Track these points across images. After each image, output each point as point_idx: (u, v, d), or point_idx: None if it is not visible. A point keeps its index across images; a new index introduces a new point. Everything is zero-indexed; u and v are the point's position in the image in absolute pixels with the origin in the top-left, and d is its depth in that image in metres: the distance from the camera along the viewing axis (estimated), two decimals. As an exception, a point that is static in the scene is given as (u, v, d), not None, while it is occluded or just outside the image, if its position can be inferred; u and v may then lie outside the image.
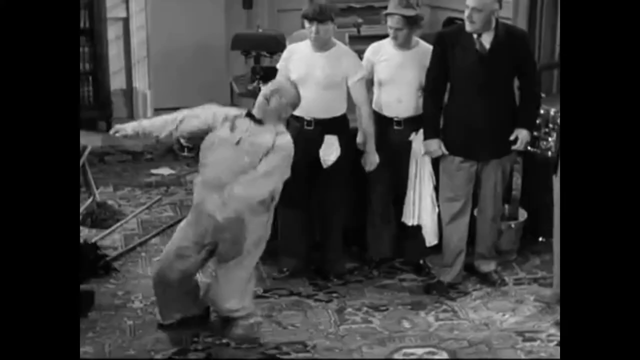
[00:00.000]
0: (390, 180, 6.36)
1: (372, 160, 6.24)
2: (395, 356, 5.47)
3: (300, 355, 5.49)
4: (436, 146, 6.16)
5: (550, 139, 6.66)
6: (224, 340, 5.63)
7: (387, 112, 6.29)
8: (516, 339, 5.67)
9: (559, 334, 5.69)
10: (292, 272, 6.42)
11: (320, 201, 6.35)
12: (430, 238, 6.39)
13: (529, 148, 6.65)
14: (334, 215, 6.39)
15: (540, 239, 6.91)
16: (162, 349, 5.55)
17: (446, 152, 6.16)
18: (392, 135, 6.29)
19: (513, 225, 6.76)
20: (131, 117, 9.28)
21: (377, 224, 6.51)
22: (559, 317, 5.88)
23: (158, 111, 8.69)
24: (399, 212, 6.43)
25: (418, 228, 6.39)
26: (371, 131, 6.21)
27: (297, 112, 5.89)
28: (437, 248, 6.42)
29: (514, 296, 6.24)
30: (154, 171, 8.53)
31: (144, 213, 7.55)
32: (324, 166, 6.16)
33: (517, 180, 7.37)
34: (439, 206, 6.31)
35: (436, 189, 6.32)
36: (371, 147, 6.22)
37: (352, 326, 5.83)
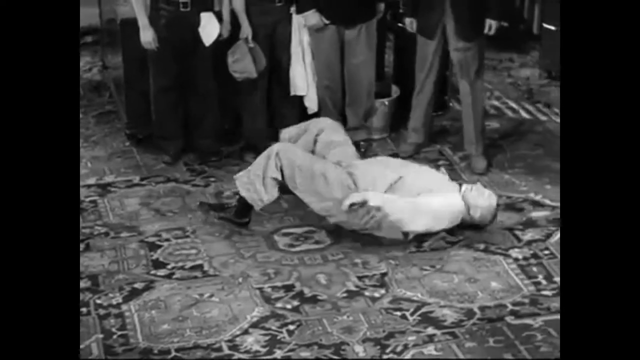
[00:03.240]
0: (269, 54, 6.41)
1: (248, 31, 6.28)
2: (275, 237, 5.54)
3: (180, 240, 5.52)
4: (317, 18, 6.29)
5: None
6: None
7: None
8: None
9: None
10: (171, 158, 6.40)
11: (196, 84, 6.31)
12: (313, 105, 6.57)
13: (399, 24, 6.74)
14: (210, 98, 6.39)
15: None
16: None
17: (327, 22, 6.30)
18: (272, 10, 6.32)
19: (386, 102, 6.83)
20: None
21: (252, 106, 6.54)
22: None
23: None
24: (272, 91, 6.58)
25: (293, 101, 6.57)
26: (241, 8, 6.23)
27: None
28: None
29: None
30: None
31: None
32: (207, 44, 6.14)
33: (389, 58, 7.43)
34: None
35: None
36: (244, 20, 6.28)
37: (231, 209, 5.86)
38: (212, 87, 6.37)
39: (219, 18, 6.21)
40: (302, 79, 6.49)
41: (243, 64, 6.24)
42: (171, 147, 6.46)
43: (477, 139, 6.35)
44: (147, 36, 6.12)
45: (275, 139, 6.06)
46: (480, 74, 6.30)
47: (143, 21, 6.12)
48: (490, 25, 6.10)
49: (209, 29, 6.15)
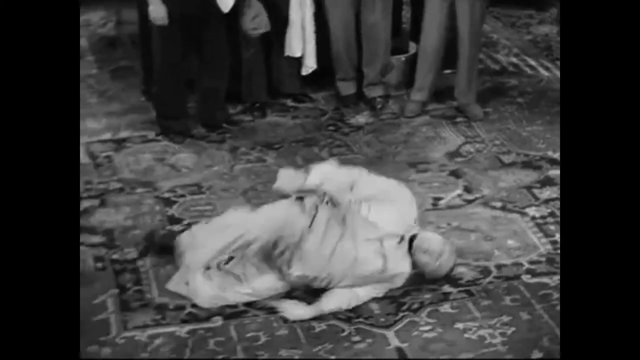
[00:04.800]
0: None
1: None
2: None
3: (196, 197, 5.50)
4: None
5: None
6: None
7: None
8: (410, 171, 5.76)
9: (449, 163, 5.83)
10: (176, 133, 6.19)
11: (210, 58, 6.06)
12: (311, 62, 6.53)
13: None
14: (225, 69, 6.17)
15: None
16: None
17: None
18: None
19: (403, 59, 6.78)
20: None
21: (252, 64, 6.45)
22: (449, 148, 6.02)
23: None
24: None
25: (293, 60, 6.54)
26: None
27: None
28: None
29: (405, 128, 6.31)
30: None
31: None
32: (225, 11, 5.88)
33: (406, 14, 7.37)
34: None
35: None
36: None
37: (247, 165, 5.84)
38: (226, 57, 6.13)
39: None
40: (299, 40, 6.42)
41: (260, 19, 6.15)
42: (177, 126, 6.20)
43: (470, 87, 6.43)
44: (159, 11, 5.72)
45: (274, 97, 6.29)
46: (481, 26, 6.42)
47: None
48: None
49: None
